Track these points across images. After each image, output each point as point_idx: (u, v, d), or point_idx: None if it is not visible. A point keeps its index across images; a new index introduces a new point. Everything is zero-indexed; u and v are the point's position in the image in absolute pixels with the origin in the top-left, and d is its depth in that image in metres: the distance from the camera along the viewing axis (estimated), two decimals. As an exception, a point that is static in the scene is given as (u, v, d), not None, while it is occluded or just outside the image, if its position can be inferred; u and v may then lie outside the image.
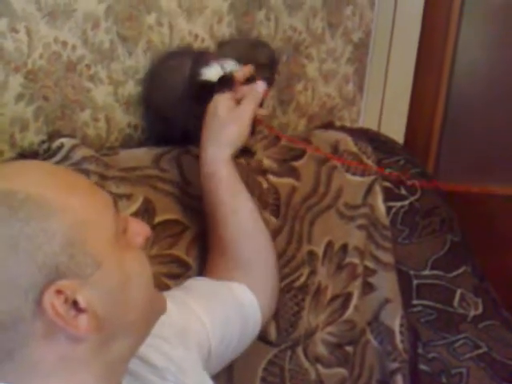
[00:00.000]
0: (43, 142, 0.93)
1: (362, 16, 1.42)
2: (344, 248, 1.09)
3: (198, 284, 0.85)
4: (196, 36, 1.10)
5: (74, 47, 0.94)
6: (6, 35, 0.86)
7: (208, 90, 0.88)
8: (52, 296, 0.52)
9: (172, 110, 0.97)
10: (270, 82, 0.97)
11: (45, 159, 0.91)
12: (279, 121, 1.30)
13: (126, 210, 0.86)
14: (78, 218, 0.54)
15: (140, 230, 0.61)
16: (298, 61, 1.31)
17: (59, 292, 0.53)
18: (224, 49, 1.09)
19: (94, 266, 0.55)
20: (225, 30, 1.14)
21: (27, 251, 0.52)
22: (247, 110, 0.86)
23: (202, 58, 0.95)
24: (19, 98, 0.90)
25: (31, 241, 0.52)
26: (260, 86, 0.87)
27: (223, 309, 0.82)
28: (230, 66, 0.90)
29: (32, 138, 0.93)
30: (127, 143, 1.06)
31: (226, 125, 0.85)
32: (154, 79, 1.02)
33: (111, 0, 0.96)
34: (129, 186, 0.87)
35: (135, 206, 0.87)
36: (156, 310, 0.63)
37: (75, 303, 0.54)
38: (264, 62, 1.00)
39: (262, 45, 1.09)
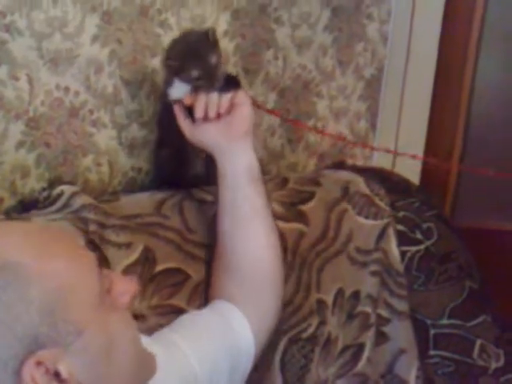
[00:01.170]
0: (44, 189, 0.92)
1: (374, 52, 1.40)
2: (355, 296, 1.05)
3: (188, 320, 0.81)
4: (202, 78, 1.08)
5: (76, 93, 0.93)
6: (6, 83, 0.85)
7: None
8: (32, 367, 0.50)
9: (187, 150, 0.94)
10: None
11: (45, 207, 0.89)
12: (288, 160, 1.27)
13: (125, 260, 0.83)
14: (58, 284, 0.52)
15: (126, 289, 0.58)
16: (308, 98, 1.29)
17: (39, 363, 0.50)
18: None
19: (75, 333, 0.52)
20: (231, 70, 1.12)
21: (5, 322, 0.50)
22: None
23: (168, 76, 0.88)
24: (20, 145, 0.89)
25: (9, 311, 0.50)
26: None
27: (213, 348, 0.78)
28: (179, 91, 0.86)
29: (33, 184, 0.92)
30: (130, 187, 1.04)
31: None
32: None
33: (115, 44, 0.95)
34: (129, 234, 0.85)
35: (135, 256, 0.84)
36: (145, 372, 0.60)
37: (57, 374, 0.51)
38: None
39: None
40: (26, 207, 0.90)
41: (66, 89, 0.91)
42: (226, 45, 1.10)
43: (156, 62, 1.01)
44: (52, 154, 0.93)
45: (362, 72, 1.39)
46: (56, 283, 0.52)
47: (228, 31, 1.10)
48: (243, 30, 1.12)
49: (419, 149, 1.52)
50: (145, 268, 0.84)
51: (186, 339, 0.76)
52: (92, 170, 0.99)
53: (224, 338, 0.80)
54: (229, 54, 1.11)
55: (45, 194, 0.90)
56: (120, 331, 0.56)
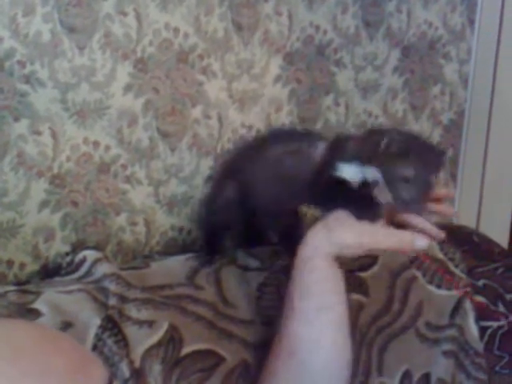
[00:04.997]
0: (67, 253, 0.83)
1: (452, 95, 1.25)
2: (426, 379, 0.89)
3: None
4: (250, 127, 0.98)
5: (107, 147, 0.85)
6: (28, 138, 0.78)
7: (341, 189, 0.72)
8: None
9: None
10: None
11: (68, 273, 0.81)
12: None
13: (147, 341, 0.72)
14: None
15: None
16: (375, 148, 1.15)
17: None
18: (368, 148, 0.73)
19: None
20: (284, 120, 1.02)
21: None
22: (388, 237, 0.72)
23: (339, 149, 0.74)
24: (43, 205, 0.82)
25: None
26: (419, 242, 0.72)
27: None
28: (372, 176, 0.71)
29: (59, 247, 0.85)
30: (170, 247, 0.94)
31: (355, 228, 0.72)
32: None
33: (150, 94, 0.87)
34: (152, 310, 0.74)
35: (158, 336, 0.73)
36: None
37: None
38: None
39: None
40: (49, 273, 0.83)
41: (95, 143, 0.84)
42: (279, 91, 1.00)
43: (198, 112, 0.92)
44: (80, 213, 0.85)
45: (439, 117, 1.24)
46: None
47: (281, 76, 0.99)
48: (298, 75, 1.02)
49: (508, 200, 1.34)
50: (169, 350, 0.73)
51: None
52: (126, 229, 0.90)
53: None
54: (282, 102, 1.01)
55: (68, 259, 0.82)
56: None
